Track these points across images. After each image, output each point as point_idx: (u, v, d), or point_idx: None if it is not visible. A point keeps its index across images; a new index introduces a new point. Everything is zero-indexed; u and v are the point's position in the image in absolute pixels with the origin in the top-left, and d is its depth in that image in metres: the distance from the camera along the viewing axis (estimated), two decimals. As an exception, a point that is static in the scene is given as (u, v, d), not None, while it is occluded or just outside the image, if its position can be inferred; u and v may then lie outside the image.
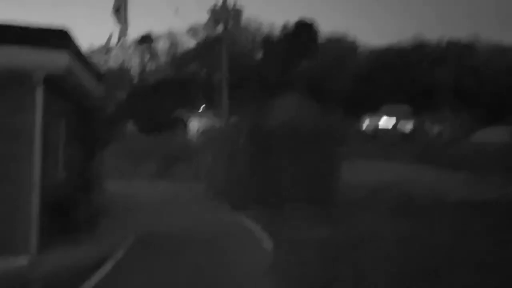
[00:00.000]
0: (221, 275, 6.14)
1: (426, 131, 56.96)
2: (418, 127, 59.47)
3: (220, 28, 21.59)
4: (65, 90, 8.03)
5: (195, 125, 41.84)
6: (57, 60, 6.22)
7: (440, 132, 54.36)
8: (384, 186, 16.28)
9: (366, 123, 65.53)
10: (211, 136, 18.06)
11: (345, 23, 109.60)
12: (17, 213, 6.28)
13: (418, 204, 12.16)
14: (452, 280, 5.39)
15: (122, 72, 10.94)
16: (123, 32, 10.55)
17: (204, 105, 48.32)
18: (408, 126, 62.62)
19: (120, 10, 10.52)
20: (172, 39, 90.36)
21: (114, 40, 11.03)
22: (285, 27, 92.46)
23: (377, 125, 62.28)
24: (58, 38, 6.42)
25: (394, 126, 62.73)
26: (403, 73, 69.43)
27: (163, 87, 67.52)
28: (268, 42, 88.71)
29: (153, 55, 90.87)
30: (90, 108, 11.96)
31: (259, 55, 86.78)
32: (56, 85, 7.14)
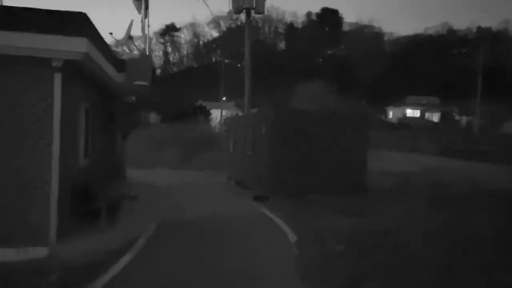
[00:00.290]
0: (242, 271, 5.89)
1: (455, 122, 55.31)
2: (446, 117, 57.80)
3: (242, 16, 21.13)
4: (86, 77, 7.90)
5: (217, 114, 41.87)
6: (75, 46, 6.06)
7: (469, 123, 52.64)
8: (414, 176, 15.79)
9: (392, 113, 64.05)
10: (234, 124, 17.82)
11: (370, 11, 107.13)
12: (35, 201, 6.20)
13: (451, 193, 11.66)
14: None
15: (144, 60, 10.80)
16: (144, 20, 10.33)
17: (226, 95, 48.27)
18: (435, 116, 60.95)
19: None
20: (195, 29, 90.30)
21: (136, 28, 10.80)
22: (308, 15, 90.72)
23: (404, 115, 60.83)
24: (76, 24, 6.25)
25: (421, 116, 61.17)
26: (430, 62, 67.51)
27: (186, 77, 67.84)
28: (291, 30, 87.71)
29: (176, 45, 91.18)
30: (113, 96, 11.88)
31: (282, 44, 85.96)
32: (76, 71, 7.00)
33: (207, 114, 41.77)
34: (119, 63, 9.74)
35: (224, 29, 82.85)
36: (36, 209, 6.24)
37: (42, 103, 6.23)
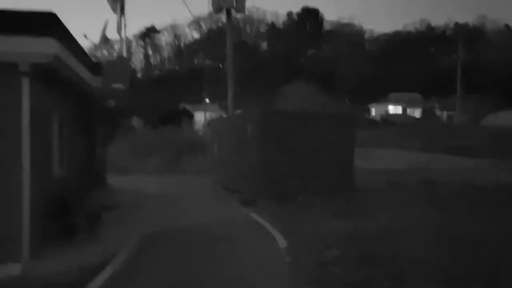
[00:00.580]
0: (231, 282, 5.53)
1: (436, 117, 55.96)
2: (427, 113, 58.50)
3: (223, 16, 20.80)
4: (58, 82, 7.42)
5: (201, 117, 41.39)
6: (44, 48, 5.60)
7: (450, 118, 53.35)
8: (401, 173, 15.68)
9: (374, 111, 64.51)
10: (218, 126, 17.43)
11: (350, 9, 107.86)
12: (5, 215, 5.72)
13: (440, 190, 11.53)
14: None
15: (120, 62, 10.35)
16: (120, 20, 9.88)
17: (209, 97, 47.81)
18: (417, 112, 61.63)
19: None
20: (175, 31, 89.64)
21: (113, 30, 10.33)
22: (289, 15, 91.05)
23: (386, 113, 61.29)
24: (44, 24, 5.80)
25: (404, 113, 61.75)
26: (411, 58, 68.28)
27: (168, 80, 67.12)
28: (273, 31, 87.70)
29: (157, 48, 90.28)
30: (90, 101, 11.38)
31: (264, 44, 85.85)
32: (47, 75, 6.53)
33: (191, 117, 41.28)
34: (95, 66, 9.28)
35: (205, 30, 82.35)
36: (7, 224, 5.77)
37: (9, 111, 5.75)
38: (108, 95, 10.83)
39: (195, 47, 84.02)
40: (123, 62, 9.59)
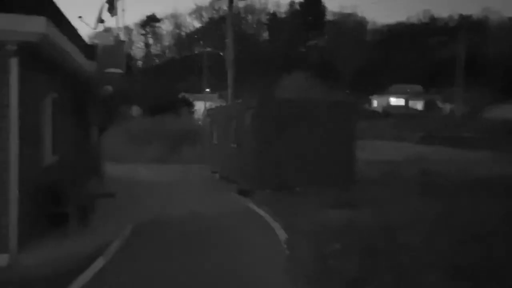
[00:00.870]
0: (228, 276, 5.29)
1: (438, 109, 55.64)
2: (429, 105, 58.15)
3: (225, 4, 20.42)
4: (51, 64, 7.11)
5: (200, 106, 41.00)
6: (32, 26, 5.29)
7: (452, 110, 53.02)
8: (402, 165, 15.43)
9: (376, 102, 64.16)
10: (217, 115, 17.13)
11: (352, 0, 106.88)
12: (-8, 204, 5.45)
13: (440, 181, 11.29)
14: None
15: (116, 46, 10.01)
16: (115, 2, 9.53)
17: (209, 87, 47.37)
18: (419, 104, 61.25)
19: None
20: (177, 20, 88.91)
21: (109, 11, 9.99)
22: (291, 5, 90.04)
23: (388, 104, 60.90)
24: (33, 1, 5.47)
25: (405, 104, 61.38)
26: (413, 50, 67.72)
27: (168, 69, 66.63)
28: (274, 20, 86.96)
29: (158, 37, 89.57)
30: (86, 86, 11.07)
31: (266, 34, 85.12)
32: (37, 57, 6.23)
33: (190, 106, 40.90)
34: (90, 50, 8.96)
35: (207, 19, 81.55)
36: (-7, 213, 5.50)
37: (-5, 93, 5.46)
38: (104, 80, 10.52)
39: (195, 36, 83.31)
40: (119, 46, 9.26)
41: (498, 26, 71.38)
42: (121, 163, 19.60)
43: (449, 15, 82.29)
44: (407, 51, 67.91)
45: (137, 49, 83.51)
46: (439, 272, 4.50)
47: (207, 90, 47.03)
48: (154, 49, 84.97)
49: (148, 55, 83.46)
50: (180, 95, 44.59)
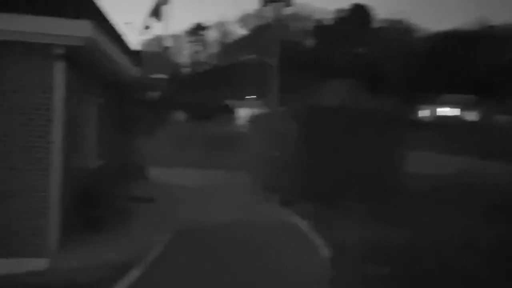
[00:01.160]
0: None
1: (493, 121, 52.60)
2: (483, 116, 55.05)
3: (271, 12, 20.32)
4: (98, 69, 7.17)
5: (244, 113, 41.16)
6: (77, 30, 5.29)
7: (509, 122, 49.94)
8: (453, 179, 14.46)
9: (425, 112, 61.69)
10: (259, 122, 16.91)
11: (402, 6, 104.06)
12: (33, 206, 5.48)
13: (497, 199, 10.38)
14: None
15: (161, 52, 10.11)
16: (160, 8, 9.56)
17: (253, 94, 47.52)
18: (472, 115, 58.21)
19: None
20: (223, 28, 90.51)
21: (155, 18, 10.06)
22: (338, 12, 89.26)
23: (438, 114, 58.38)
24: (79, 5, 5.48)
25: (457, 115, 58.57)
26: (467, 59, 64.61)
27: (214, 76, 67.68)
28: (320, 28, 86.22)
29: (204, 44, 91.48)
30: (132, 92, 11.22)
31: (311, 42, 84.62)
32: (84, 61, 6.26)
33: (234, 113, 41.15)
34: (135, 56, 9.02)
35: (252, 27, 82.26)
36: (35, 216, 5.53)
37: (42, 96, 5.49)
38: (149, 85, 10.60)
39: (241, 43, 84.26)
40: (164, 52, 9.26)
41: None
42: (165, 168, 19.84)
43: (506, 22, 77.97)
44: (460, 59, 64.95)
45: (185, 57, 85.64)
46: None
47: (250, 97, 47.18)
48: (201, 56, 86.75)
49: (194, 62, 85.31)
50: (224, 102, 45.00)
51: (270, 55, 19.72)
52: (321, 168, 11.10)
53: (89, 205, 6.82)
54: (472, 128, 46.71)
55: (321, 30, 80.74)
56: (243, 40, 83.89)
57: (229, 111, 40.40)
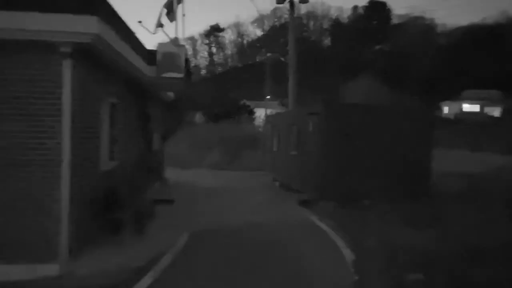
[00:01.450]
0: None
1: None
2: (508, 112, 53.35)
3: (286, 10, 19.90)
4: (109, 68, 6.97)
5: (261, 113, 40.81)
6: (83, 26, 5.07)
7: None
8: (483, 178, 13.81)
9: (448, 108, 60.18)
10: (278, 121, 16.57)
11: (421, 1, 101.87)
12: (42, 209, 5.29)
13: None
14: None
15: (176, 51, 9.86)
16: (176, 6, 9.32)
17: (270, 94, 47.13)
18: (496, 111, 56.52)
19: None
20: (239, 29, 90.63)
21: (168, 16, 9.83)
22: (355, 9, 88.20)
23: (461, 111, 56.83)
24: (85, 2, 5.25)
25: (481, 111, 56.94)
26: (490, 53, 62.81)
27: (231, 77, 67.70)
28: (337, 26, 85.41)
29: (221, 45, 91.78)
30: (147, 92, 11.03)
31: (328, 40, 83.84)
32: (94, 59, 6.05)
33: (251, 113, 40.86)
34: (149, 54, 8.80)
35: (268, 27, 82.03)
36: (45, 219, 5.32)
37: (50, 96, 5.30)
38: (164, 85, 10.37)
39: (257, 44, 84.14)
40: (178, 51, 9.02)
41: None
42: (184, 169, 19.74)
43: (530, 14, 75.55)
44: (483, 54, 63.12)
45: (201, 58, 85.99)
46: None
47: (268, 97, 46.84)
48: (217, 58, 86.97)
49: (211, 64, 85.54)
50: (242, 102, 44.80)
51: (287, 54, 19.34)
52: (343, 166, 10.70)
53: (105, 208, 6.61)
54: (497, 124, 45.22)
55: (339, 28, 79.81)
56: (259, 40, 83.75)
57: (248, 112, 40.11)
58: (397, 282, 4.58)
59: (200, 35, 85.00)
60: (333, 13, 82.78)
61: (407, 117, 10.94)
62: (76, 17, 5.05)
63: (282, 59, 37.03)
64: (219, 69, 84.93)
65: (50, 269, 5.28)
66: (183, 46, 9.34)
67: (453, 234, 6.45)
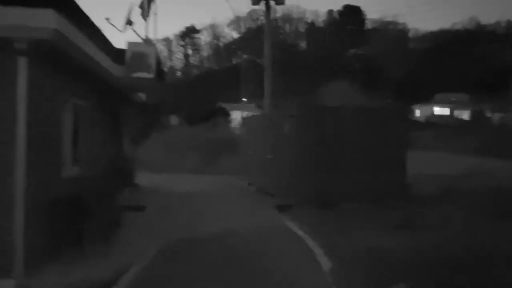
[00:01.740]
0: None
1: (487, 119, 52.40)
2: (477, 115, 54.93)
3: (262, 15, 19.70)
4: (70, 67, 6.51)
5: (238, 116, 40.55)
6: (40, 20, 4.64)
7: (503, 120, 49.73)
8: (457, 179, 13.91)
9: (419, 112, 61.46)
10: (253, 124, 16.29)
11: (393, 7, 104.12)
12: (-6, 222, 4.81)
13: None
14: None
15: (146, 49, 9.43)
16: (145, 4, 8.92)
17: (246, 96, 46.96)
18: (465, 114, 58.09)
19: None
20: (215, 31, 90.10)
21: (141, 16, 9.42)
22: (330, 13, 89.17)
23: (432, 114, 58.12)
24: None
25: (451, 114, 58.41)
26: (459, 58, 64.57)
27: (207, 79, 67.12)
28: (313, 30, 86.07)
29: (196, 47, 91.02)
30: (116, 94, 10.56)
31: (303, 44, 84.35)
32: (52, 57, 5.60)
33: (227, 115, 40.53)
34: (118, 54, 8.37)
35: (244, 30, 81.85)
36: (-3, 232, 4.86)
37: (2, 97, 4.84)
38: (134, 86, 9.93)
39: (233, 46, 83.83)
40: (148, 50, 8.62)
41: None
42: (157, 173, 19.19)
43: (497, 21, 78.28)
44: (453, 59, 64.81)
45: (177, 60, 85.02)
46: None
47: (244, 99, 46.64)
48: (193, 60, 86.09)
49: (187, 66, 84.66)
50: (218, 105, 44.43)
51: (263, 57, 19.10)
52: (320, 170, 10.50)
53: (67, 217, 6.14)
54: (467, 126, 46.39)
55: (314, 32, 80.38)
56: (235, 43, 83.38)
57: (224, 114, 39.76)
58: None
59: (175, 36, 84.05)
60: (309, 17, 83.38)
61: (382, 118, 10.86)
62: (32, 11, 4.62)
63: (258, 61, 36.91)
64: (195, 71, 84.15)
65: (5, 285, 4.81)
66: (153, 45, 8.95)
67: (433, 238, 6.29)
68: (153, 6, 9.65)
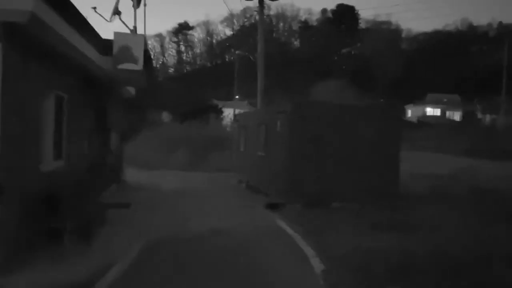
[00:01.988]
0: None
1: (478, 120, 52.69)
2: (468, 115, 55.21)
3: (255, 9, 19.42)
4: (56, 58, 6.19)
5: (230, 113, 40.18)
6: (13, 3, 4.31)
7: (494, 121, 49.99)
8: (448, 179, 13.80)
9: (411, 112, 61.66)
10: (245, 121, 16.02)
11: (387, 7, 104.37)
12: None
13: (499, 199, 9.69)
14: None
15: (134, 40, 9.09)
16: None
17: (239, 94, 46.62)
18: (457, 115, 58.42)
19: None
20: (208, 28, 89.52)
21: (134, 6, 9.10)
22: (324, 12, 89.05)
23: (423, 114, 58.32)
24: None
25: (442, 115, 58.67)
26: (451, 59, 64.89)
27: (199, 76, 66.64)
28: (306, 28, 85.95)
29: (189, 44, 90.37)
30: (104, 87, 10.21)
31: (297, 42, 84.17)
32: (30, 45, 5.28)
33: (220, 113, 40.16)
34: (104, 44, 8.03)
35: (238, 27, 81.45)
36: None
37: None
38: (121, 78, 9.58)
39: (227, 43, 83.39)
40: (136, 41, 8.29)
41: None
42: (148, 170, 18.85)
43: (488, 23, 78.90)
44: (445, 60, 65.11)
45: (169, 56, 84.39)
46: None
47: (237, 97, 46.32)
48: (186, 56, 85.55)
49: (179, 62, 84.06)
50: (210, 102, 44.04)
51: (256, 54, 18.82)
52: (312, 168, 10.27)
53: (48, 214, 5.83)
54: (459, 127, 46.58)
55: (308, 31, 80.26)
56: (229, 40, 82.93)
57: (215, 111, 39.37)
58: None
59: (168, 32, 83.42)
60: (302, 15, 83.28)
61: (375, 116, 10.65)
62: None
63: (251, 58, 36.57)
64: (188, 67, 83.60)
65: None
66: (142, 35, 8.62)
67: (425, 238, 6.09)
68: None
